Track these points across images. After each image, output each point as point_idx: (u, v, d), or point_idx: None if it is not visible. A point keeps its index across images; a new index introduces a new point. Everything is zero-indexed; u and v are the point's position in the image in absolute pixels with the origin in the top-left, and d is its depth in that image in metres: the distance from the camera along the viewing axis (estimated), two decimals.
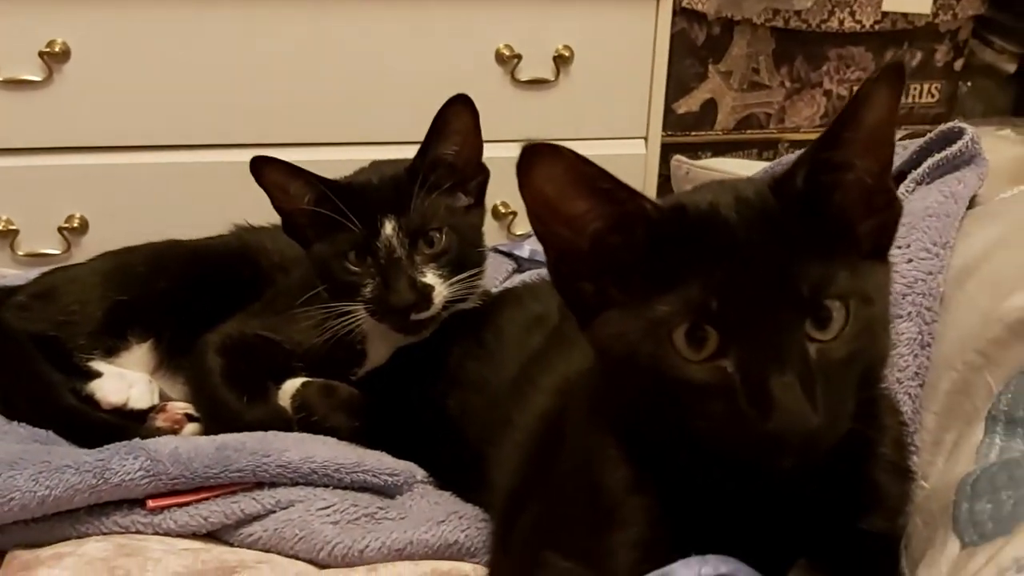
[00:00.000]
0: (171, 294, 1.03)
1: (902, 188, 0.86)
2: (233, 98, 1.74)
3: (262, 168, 0.94)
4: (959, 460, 0.58)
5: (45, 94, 1.67)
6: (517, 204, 1.87)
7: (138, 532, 0.80)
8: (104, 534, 0.80)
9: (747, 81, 2.19)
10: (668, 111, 2.13)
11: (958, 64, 2.20)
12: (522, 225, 1.94)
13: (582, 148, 1.90)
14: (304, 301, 0.96)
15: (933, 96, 2.25)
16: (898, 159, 0.90)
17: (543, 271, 1.19)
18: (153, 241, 1.11)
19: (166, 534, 0.80)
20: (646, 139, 1.99)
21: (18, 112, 1.67)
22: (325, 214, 0.94)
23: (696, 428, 0.57)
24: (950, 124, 0.88)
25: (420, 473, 0.89)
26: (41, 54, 1.64)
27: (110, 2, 1.65)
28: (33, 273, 1.52)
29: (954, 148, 0.85)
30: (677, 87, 2.15)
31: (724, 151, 2.23)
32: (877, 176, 0.61)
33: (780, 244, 0.57)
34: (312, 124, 1.79)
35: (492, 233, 1.93)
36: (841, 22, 2.16)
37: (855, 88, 2.22)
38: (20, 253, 1.71)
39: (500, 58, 1.85)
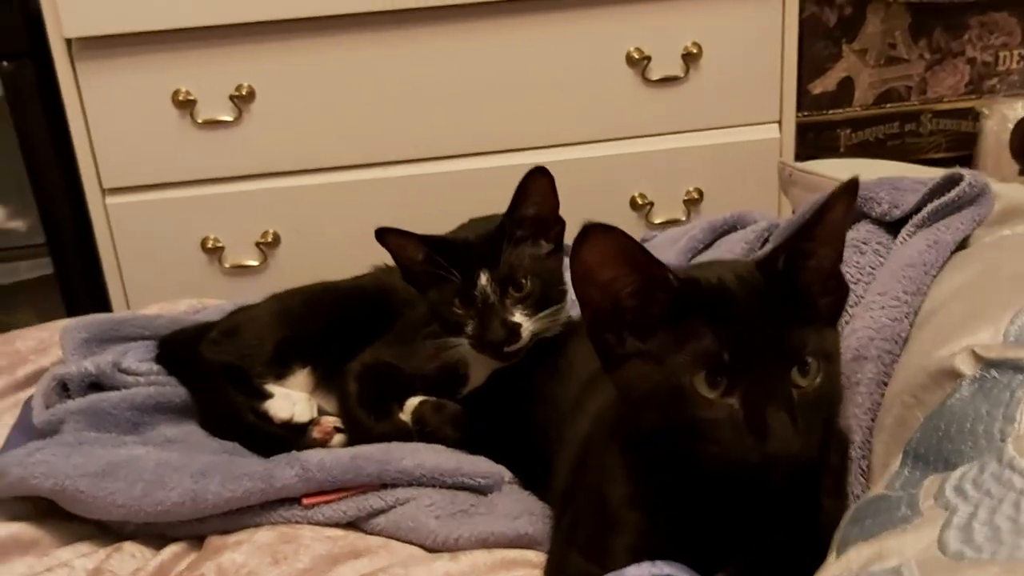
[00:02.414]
0: (324, 330, 1.28)
1: (902, 233, 0.97)
2: (390, 118, 1.95)
3: (385, 235, 1.16)
4: (879, 484, 0.72)
5: (237, 130, 1.93)
6: (653, 195, 2.03)
7: (296, 523, 1.06)
8: (273, 524, 1.06)
9: (884, 56, 2.20)
10: (803, 92, 2.17)
11: None
12: (659, 214, 2.07)
13: (716, 137, 2.09)
14: (425, 335, 1.18)
15: None
16: (911, 198, 1.01)
17: None
18: (311, 284, 1.37)
19: (316, 524, 1.06)
20: (780, 123, 2.05)
21: (217, 147, 1.93)
22: (435, 268, 1.15)
23: (704, 451, 0.74)
24: (951, 171, 0.98)
25: (507, 475, 1.10)
26: (231, 97, 1.90)
27: (286, 49, 1.90)
28: (236, 286, 1.82)
29: (951, 194, 0.95)
30: (811, 69, 2.20)
31: (863, 126, 2.25)
32: (832, 264, 0.78)
33: (770, 312, 0.74)
34: (460, 136, 1.99)
35: (631, 223, 2.07)
36: None
37: (1000, 54, 2.20)
38: (227, 265, 1.99)
39: (630, 60, 1.97)
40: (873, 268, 0.98)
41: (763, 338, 0.73)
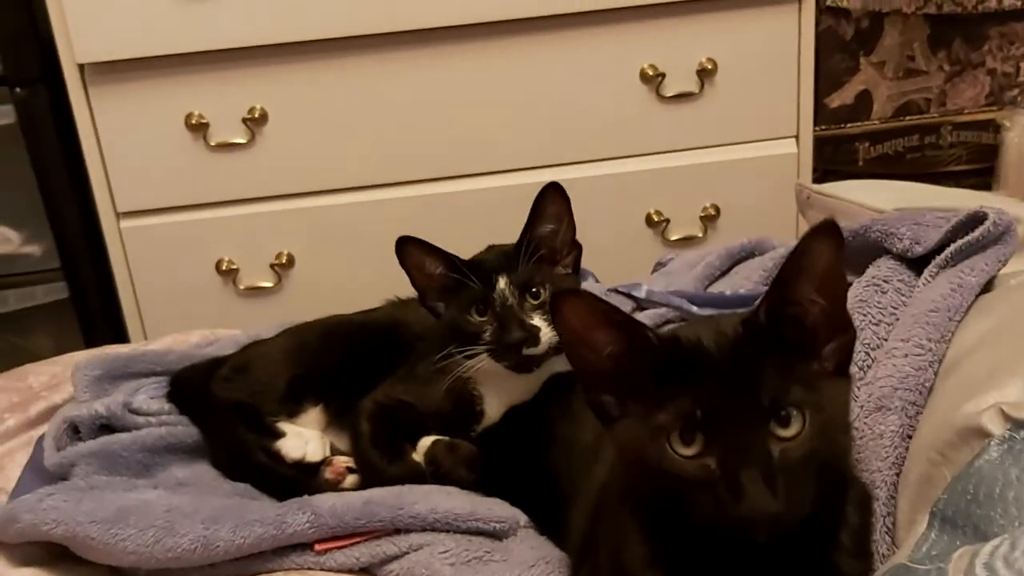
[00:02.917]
0: (336, 367, 1.26)
1: (925, 274, 0.95)
2: (404, 139, 1.94)
3: (406, 245, 1.16)
4: (904, 549, 0.70)
5: (250, 153, 1.92)
6: (669, 212, 2.02)
7: (309, 569, 1.05)
8: (285, 570, 1.05)
9: (902, 69, 2.17)
10: (820, 106, 2.15)
11: None
12: (676, 231, 2.05)
13: (732, 153, 2.07)
14: (440, 358, 1.17)
15: None
16: (934, 234, 0.98)
17: (663, 310, 1.33)
18: (323, 318, 1.35)
19: (329, 570, 1.05)
20: (797, 137, 2.03)
21: (230, 170, 1.92)
22: (453, 277, 1.15)
23: (689, 511, 0.73)
24: (975, 209, 0.96)
25: (523, 519, 1.08)
26: (244, 120, 1.89)
27: (298, 71, 1.89)
28: (251, 308, 1.81)
29: (976, 234, 0.93)
30: (828, 82, 2.17)
31: (882, 139, 2.23)
32: (833, 309, 0.75)
33: (747, 367, 0.73)
34: (475, 155, 1.97)
35: (646, 241, 2.06)
36: (1000, 0, 2.10)
37: (1021, 64, 2.16)
38: (241, 288, 1.99)
39: (644, 77, 1.95)
40: (895, 308, 0.95)
41: (738, 393, 0.71)
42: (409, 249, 1.16)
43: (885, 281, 0.99)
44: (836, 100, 2.19)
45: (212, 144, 1.91)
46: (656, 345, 0.75)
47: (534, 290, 1.15)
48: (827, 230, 0.73)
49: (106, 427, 1.22)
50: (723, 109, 1.98)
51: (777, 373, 0.72)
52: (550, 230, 1.17)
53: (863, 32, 2.13)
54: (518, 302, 1.14)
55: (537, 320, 1.14)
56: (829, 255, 0.73)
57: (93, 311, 2.13)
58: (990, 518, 0.64)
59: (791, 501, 0.70)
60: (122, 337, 2.04)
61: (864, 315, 0.95)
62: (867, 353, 0.93)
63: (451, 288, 1.16)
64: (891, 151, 2.22)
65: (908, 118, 2.20)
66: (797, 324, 0.74)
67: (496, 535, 1.06)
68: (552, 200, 1.16)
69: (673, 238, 2.04)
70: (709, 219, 2.04)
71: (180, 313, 1.98)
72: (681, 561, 0.77)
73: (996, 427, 0.70)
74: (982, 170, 2.18)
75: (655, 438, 0.73)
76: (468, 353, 1.15)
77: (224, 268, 1.98)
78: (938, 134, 2.22)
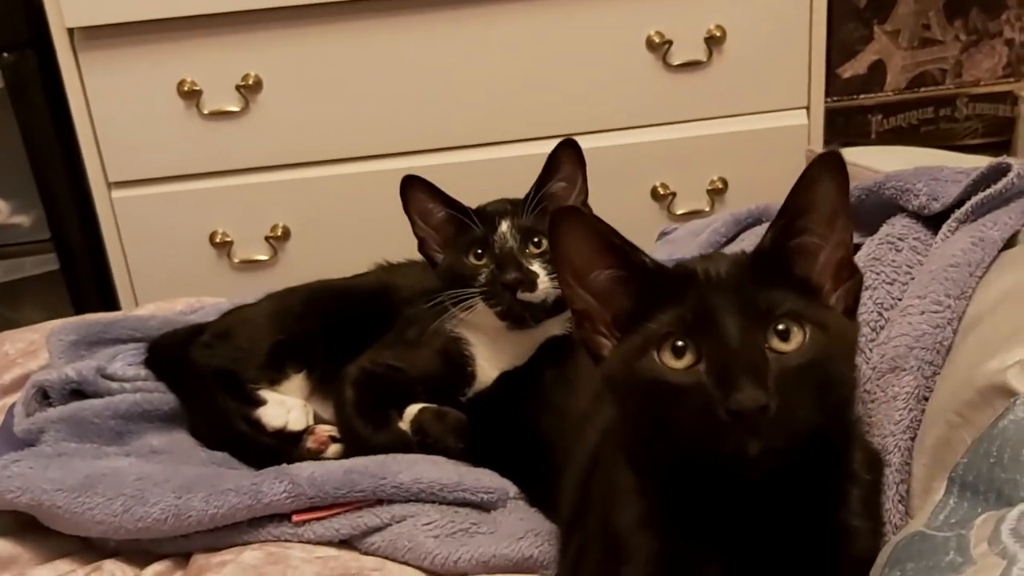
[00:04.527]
0: (320, 332, 1.21)
1: (944, 229, 0.89)
2: (403, 107, 1.89)
3: (412, 184, 1.13)
4: (920, 516, 0.64)
5: (245, 121, 1.86)
6: (675, 185, 1.96)
7: (286, 541, 1.00)
8: (261, 542, 1.00)
9: (917, 38, 2.12)
10: (832, 76, 2.10)
11: None
12: (682, 205, 2.00)
13: (741, 124, 2.00)
14: (431, 305, 1.13)
15: None
16: (952, 189, 0.92)
17: None
18: (308, 283, 1.30)
19: (307, 542, 0.99)
20: (808, 108, 1.98)
21: (224, 139, 1.87)
22: (455, 223, 1.12)
23: (679, 428, 0.68)
24: (998, 160, 0.89)
25: (513, 490, 1.03)
26: (238, 87, 1.83)
27: (293, 37, 1.83)
28: (246, 281, 1.77)
29: (998, 186, 0.87)
30: (840, 52, 2.12)
31: (896, 111, 2.17)
32: (839, 251, 0.71)
33: (746, 281, 0.70)
34: (479, 125, 1.92)
35: (652, 215, 2.00)
36: None
37: None
38: (235, 261, 1.93)
39: (651, 45, 1.90)
40: (911, 267, 0.89)
41: (733, 299, 0.68)
42: (414, 189, 1.13)
43: (900, 239, 0.93)
44: (848, 70, 2.13)
45: (205, 112, 1.86)
46: (651, 270, 0.72)
47: (536, 239, 1.11)
48: (837, 161, 0.69)
49: (78, 393, 1.17)
50: (732, 78, 1.92)
51: (778, 288, 0.69)
52: (562, 188, 1.13)
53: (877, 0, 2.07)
54: (519, 246, 1.11)
55: (536, 267, 1.10)
56: (835, 190, 0.70)
57: (84, 284, 2.08)
58: (1016, 482, 0.58)
59: (786, 406, 0.65)
60: (113, 311, 1.99)
61: (877, 274, 0.89)
62: (880, 313, 0.87)
63: (452, 236, 1.13)
64: (905, 124, 2.16)
65: (923, 89, 2.14)
66: (804, 259, 0.71)
67: (484, 506, 1.01)
68: (567, 158, 1.13)
69: (679, 212, 1.98)
70: (716, 192, 1.99)
71: (173, 287, 1.92)
72: (677, 520, 0.72)
73: (1022, 385, 0.64)
74: (998, 144, 2.12)
75: (645, 351, 0.69)
76: (460, 297, 1.10)
77: (218, 240, 1.93)
78: (953, 106, 2.16)
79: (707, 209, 1.98)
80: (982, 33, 2.11)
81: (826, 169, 0.70)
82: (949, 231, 0.89)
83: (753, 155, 1.95)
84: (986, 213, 0.88)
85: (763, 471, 0.67)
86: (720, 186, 1.98)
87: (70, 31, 1.80)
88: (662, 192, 1.98)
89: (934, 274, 0.83)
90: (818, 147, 2.03)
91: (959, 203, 0.91)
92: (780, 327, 0.67)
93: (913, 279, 0.88)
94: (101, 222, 1.93)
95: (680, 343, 0.68)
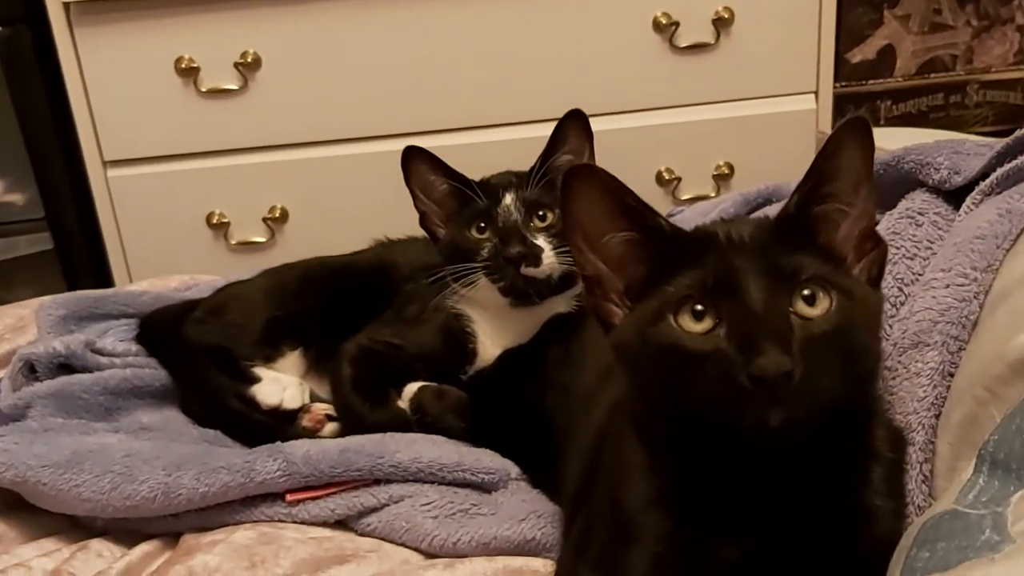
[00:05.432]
0: (317, 309, 1.18)
1: (967, 202, 0.86)
2: (404, 88, 1.86)
3: (413, 154, 1.10)
4: (947, 496, 0.61)
5: (243, 100, 1.83)
6: (680, 170, 1.93)
7: (280, 521, 0.97)
8: (254, 522, 0.97)
9: (928, 23, 2.08)
10: (841, 61, 2.07)
11: None
12: (687, 190, 1.97)
13: (748, 108, 1.95)
14: (433, 280, 1.10)
15: None
16: (975, 162, 0.89)
17: None
18: (306, 259, 1.27)
19: (301, 523, 0.96)
20: (816, 93, 1.95)
21: (221, 118, 1.84)
22: (457, 196, 1.09)
23: (695, 398, 0.64)
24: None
25: (514, 471, 1.00)
26: (236, 65, 1.80)
27: (293, 14, 1.80)
28: (243, 263, 1.73)
29: (1021, 159, 0.83)
30: (850, 36, 2.08)
31: (905, 97, 2.14)
32: (862, 220, 0.69)
33: (771, 244, 0.67)
34: (481, 107, 1.89)
35: (657, 200, 1.97)
36: None
37: None
38: (233, 242, 1.91)
39: (657, 26, 1.87)
40: (931, 241, 0.86)
41: (757, 265, 0.65)
42: (415, 160, 1.10)
43: (920, 213, 0.89)
44: (858, 55, 2.09)
45: (203, 90, 1.82)
46: (668, 234, 0.69)
47: (541, 213, 1.09)
48: (857, 126, 0.67)
49: (68, 368, 1.13)
50: (739, 61, 1.89)
51: (804, 253, 0.66)
52: (568, 161, 1.09)
53: None
54: (523, 219, 1.08)
55: (541, 241, 1.07)
56: (861, 155, 0.67)
57: (78, 264, 2.04)
58: None
59: (810, 373, 0.61)
60: None
61: (897, 248, 0.86)
62: (900, 288, 0.84)
63: (455, 210, 1.10)
64: (914, 110, 2.13)
65: (933, 75, 2.11)
66: (827, 227, 0.68)
67: (484, 487, 0.98)
68: (573, 130, 1.10)
69: (684, 197, 1.95)
70: (722, 178, 1.96)
71: (168, 268, 1.87)
72: (690, 498, 0.69)
73: None
74: (1008, 132, 2.08)
75: (661, 316, 0.66)
76: (462, 273, 1.07)
77: (215, 221, 1.90)
78: (964, 93, 2.13)
79: (712, 194, 1.95)
80: (994, 19, 2.07)
81: (853, 134, 0.67)
82: (973, 204, 0.86)
83: (760, 140, 1.92)
84: (1012, 185, 0.85)
85: (784, 445, 0.63)
86: (726, 171, 1.95)
87: (66, 5, 1.77)
88: (667, 177, 1.95)
89: (959, 246, 0.80)
90: (828, 132, 2.00)
91: (982, 176, 0.88)
92: (806, 292, 0.64)
93: (934, 253, 0.85)
94: (96, 201, 1.90)
95: (699, 307, 0.65)
